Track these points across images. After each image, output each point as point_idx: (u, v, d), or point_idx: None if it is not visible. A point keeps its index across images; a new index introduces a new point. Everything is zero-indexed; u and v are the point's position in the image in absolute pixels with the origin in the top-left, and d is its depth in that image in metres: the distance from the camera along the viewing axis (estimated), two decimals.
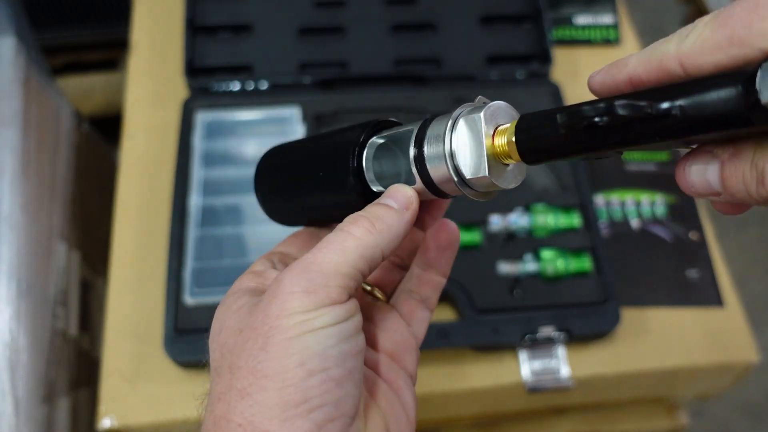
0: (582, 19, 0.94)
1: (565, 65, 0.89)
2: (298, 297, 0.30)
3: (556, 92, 0.82)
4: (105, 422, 0.65)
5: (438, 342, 0.67)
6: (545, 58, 0.84)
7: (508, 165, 0.31)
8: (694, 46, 0.25)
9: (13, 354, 0.71)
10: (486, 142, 0.30)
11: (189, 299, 0.68)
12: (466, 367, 0.70)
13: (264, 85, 0.81)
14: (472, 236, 0.72)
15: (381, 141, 0.35)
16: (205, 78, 0.81)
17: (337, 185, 0.35)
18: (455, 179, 0.31)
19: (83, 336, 0.90)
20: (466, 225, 0.73)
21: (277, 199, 0.41)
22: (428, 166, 0.32)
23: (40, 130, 0.86)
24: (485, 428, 0.84)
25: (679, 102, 0.24)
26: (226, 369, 0.30)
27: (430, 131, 0.32)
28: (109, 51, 1.30)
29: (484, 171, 0.30)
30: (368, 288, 0.39)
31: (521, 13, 0.87)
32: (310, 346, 0.29)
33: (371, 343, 0.36)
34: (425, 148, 0.32)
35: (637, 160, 0.84)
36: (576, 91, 0.87)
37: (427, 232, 0.39)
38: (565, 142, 0.28)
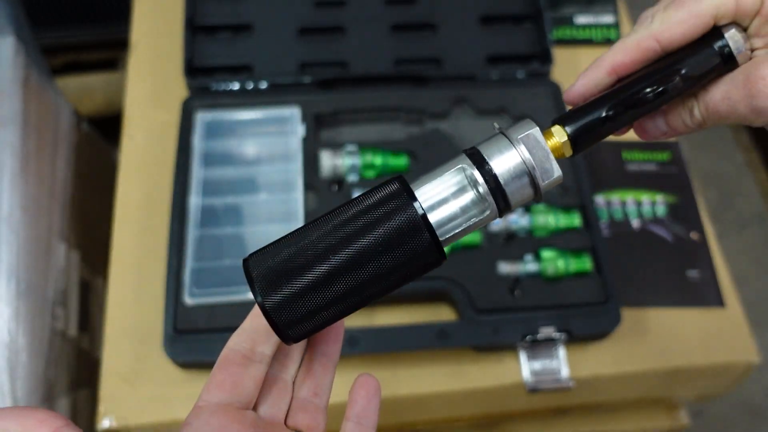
0: (582, 19, 0.94)
1: (566, 65, 0.89)
2: None
3: (556, 92, 0.82)
4: (105, 422, 0.65)
5: (438, 342, 0.67)
6: (546, 58, 0.84)
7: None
8: (662, 26, 0.36)
9: (12, 354, 0.71)
10: (548, 147, 0.35)
11: (188, 299, 0.68)
12: (466, 367, 0.70)
13: (264, 85, 0.81)
14: (473, 236, 0.72)
15: (436, 198, 0.35)
16: (205, 78, 0.81)
17: (413, 258, 0.33)
18: (533, 191, 0.34)
19: (83, 336, 0.90)
20: None
21: (317, 298, 0.33)
22: (506, 189, 0.34)
23: (40, 130, 0.86)
24: (485, 428, 0.84)
25: (683, 68, 0.36)
26: None
27: (490, 160, 0.34)
28: (108, 51, 1.30)
29: (558, 172, 0.34)
30: None
31: (521, 12, 0.87)
32: None
33: None
34: (499, 176, 0.34)
35: (637, 160, 0.83)
36: None
37: (352, 389, 0.37)
38: (609, 123, 0.36)
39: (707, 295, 0.75)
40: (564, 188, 0.76)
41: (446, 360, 0.70)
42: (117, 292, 0.72)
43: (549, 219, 0.73)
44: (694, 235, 0.79)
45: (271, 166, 0.76)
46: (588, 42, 0.93)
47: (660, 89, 0.36)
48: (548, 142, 0.35)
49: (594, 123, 0.36)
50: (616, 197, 0.81)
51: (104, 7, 1.24)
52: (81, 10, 1.25)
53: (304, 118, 0.78)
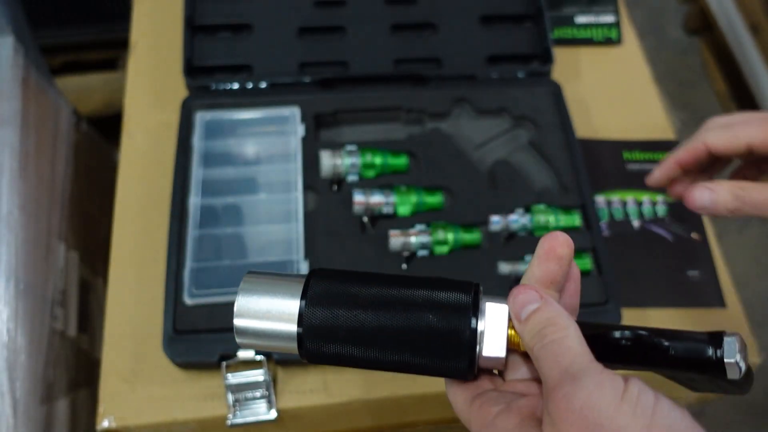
0: (583, 19, 0.93)
1: (566, 65, 0.88)
2: None
3: (557, 92, 0.82)
4: (104, 423, 0.65)
5: None
6: (546, 58, 0.84)
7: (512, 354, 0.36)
8: (713, 138, 0.52)
9: (11, 354, 0.70)
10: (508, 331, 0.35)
11: (188, 300, 0.67)
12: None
13: (263, 85, 0.81)
14: (473, 236, 0.72)
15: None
16: (205, 77, 0.81)
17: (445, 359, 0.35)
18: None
19: (82, 336, 0.90)
20: (467, 225, 0.73)
21: (351, 347, 0.35)
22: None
23: (39, 130, 0.85)
24: None
25: (673, 350, 0.34)
26: None
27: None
28: (108, 50, 1.30)
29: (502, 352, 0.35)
30: None
31: (522, 12, 0.87)
32: None
33: None
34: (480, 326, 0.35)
35: (638, 159, 0.83)
36: (577, 90, 0.87)
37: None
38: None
39: (708, 296, 0.75)
40: (564, 188, 0.76)
41: None
42: (116, 292, 0.72)
43: (549, 219, 0.73)
44: (694, 236, 0.79)
45: (270, 165, 0.76)
46: (588, 42, 0.93)
47: (641, 350, 0.35)
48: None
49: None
50: (616, 197, 0.81)
51: (104, 7, 1.24)
52: (80, 10, 1.25)
53: (304, 118, 0.78)
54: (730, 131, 0.52)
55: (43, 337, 0.78)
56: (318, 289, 0.34)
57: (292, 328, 0.34)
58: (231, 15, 0.84)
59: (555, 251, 0.36)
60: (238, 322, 0.34)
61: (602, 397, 0.29)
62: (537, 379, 0.36)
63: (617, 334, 0.35)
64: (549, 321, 0.33)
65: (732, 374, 0.33)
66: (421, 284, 0.35)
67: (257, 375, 0.65)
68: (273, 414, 0.65)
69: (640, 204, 0.80)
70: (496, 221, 0.73)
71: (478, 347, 0.34)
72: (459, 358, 0.34)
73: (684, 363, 0.34)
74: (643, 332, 0.34)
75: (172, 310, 0.67)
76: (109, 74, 1.31)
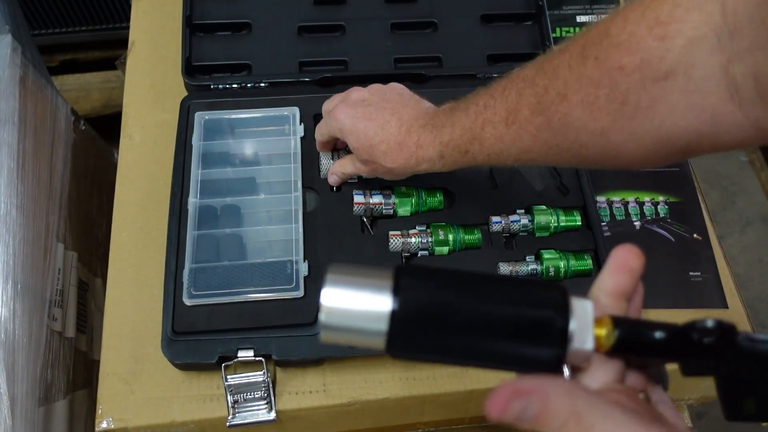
0: (584, 18, 0.93)
1: None
2: None
3: None
4: (103, 424, 0.65)
5: None
6: None
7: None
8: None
9: (9, 355, 0.70)
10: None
11: (187, 300, 0.67)
12: (467, 367, 0.69)
13: (263, 84, 0.80)
14: (473, 237, 0.72)
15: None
16: (204, 76, 0.81)
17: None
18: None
19: (80, 337, 0.90)
20: (467, 225, 0.72)
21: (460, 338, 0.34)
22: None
23: (37, 130, 0.85)
24: (486, 429, 0.83)
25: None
26: None
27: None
28: (106, 50, 1.30)
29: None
30: None
31: (523, 11, 0.86)
32: None
33: None
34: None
35: None
36: None
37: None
38: (657, 351, 0.35)
39: (709, 296, 0.75)
40: (565, 188, 0.76)
41: None
42: (115, 293, 0.71)
43: (550, 219, 0.73)
44: (696, 236, 0.78)
45: (270, 166, 0.76)
46: None
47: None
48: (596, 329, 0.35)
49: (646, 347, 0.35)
50: (617, 197, 0.80)
51: (102, 6, 1.24)
52: (79, 9, 1.24)
53: (304, 118, 0.78)
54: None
55: (41, 338, 0.77)
56: (410, 278, 0.34)
57: (386, 305, 0.33)
58: (230, 14, 0.84)
59: (629, 264, 0.36)
60: (325, 301, 0.33)
61: None
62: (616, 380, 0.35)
63: (696, 324, 0.33)
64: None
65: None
66: (507, 280, 0.36)
67: (256, 376, 0.65)
68: (272, 415, 0.65)
69: (641, 204, 0.80)
70: (496, 222, 0.72)
71: (569, 338, 0.34)
72: (550, 345, 0.34)
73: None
74: (725, 323, 0.33)
75: (171, 310, 0.66)
76: (108, 73, 1.31)
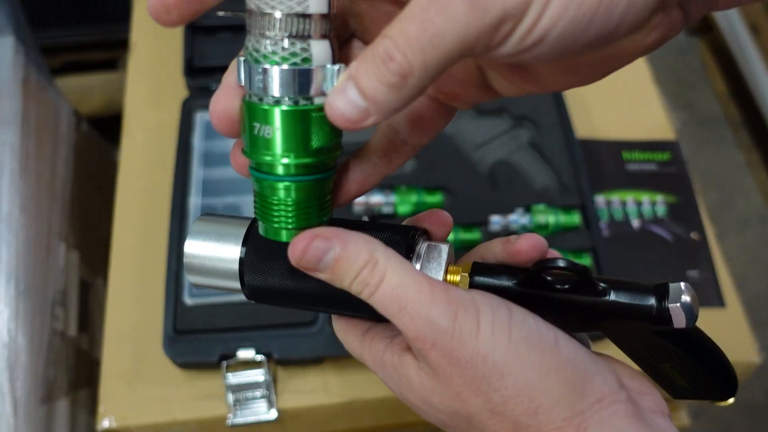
0: None
1: None
2: None
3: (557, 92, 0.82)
4: (104, 423, 0.65)
5: None
6: None
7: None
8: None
9: (12, 354, 0.70)
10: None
11: (188, 300, 0.67)
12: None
13: None
14: (473, 236, 0.72)
15: None
16: (205, 78, 0.81)
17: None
18: None
19: (82, 336, 0.90)
20: (466, 225, 0.73)
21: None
22: None
23: (40, 130, 0.85)
24: None
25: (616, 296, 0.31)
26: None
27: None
28: (108, 51, 1.30)
29: None
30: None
31: None
32: None
33: None
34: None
35: (637, 160, 0.83)
36: (577, 90, 0.87)
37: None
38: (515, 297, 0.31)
39: (707, 296, 0.75)
40: (564, 188, 0.76)
41: None
42: (117, 292, 0.72)
43: (549, 219, 0.73)
44: (694, 236, 0.79)
45: None
46: None
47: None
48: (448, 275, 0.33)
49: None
50: (616, 197, 0.81)
51: (104, 7, 1.24)
52: (81, 10, 1.25)
53: None
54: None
55: (44, 337, 0.78)
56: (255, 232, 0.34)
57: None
58: (231, 15, 0.84)
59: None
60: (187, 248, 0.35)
61: (462, 334, 0.28)
62: None
63: (547, 264, 0.31)
64: (358, 264, 0.29)
65: (678, 322, 0.30)
66: (368, 225, 0.35)
67: (257, 375, 0.65)
68: (273, 414, 0.66)
69: (639, 204, 0.80)
70: (495, 221, 0.73)
71: None
72: None
73: (623, 309, 0.30)
74: (578, 264, 0.30)
75: (173, 310, 0.67)
76: (110, 74, 1.31)
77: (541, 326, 0.29)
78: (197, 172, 0.74)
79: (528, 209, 0.74)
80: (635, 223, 0.79)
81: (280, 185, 0.29)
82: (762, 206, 1.66)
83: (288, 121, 0.27)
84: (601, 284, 0.31)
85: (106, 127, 1.14)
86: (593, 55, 0.27)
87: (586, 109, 0.87)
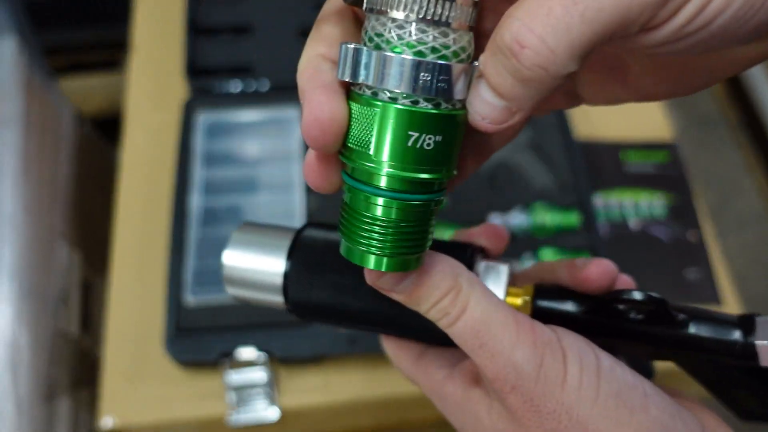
0: None
1: None
2: None
3: None
4: (106, 422, 0.66)
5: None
6: None
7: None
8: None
9: (14, 353, 0.71)
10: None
11: (190, 299, 0.68)
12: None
13: (265, 86, 0.81)
14: None
15: None
16: (206, 79, 0.81)
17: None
18: None
19: (84, 336, 0.91)
20: (465, 225, 0.73)
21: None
22: None
23: (42, 131, 0.86)
24: None
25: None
26: None
27: None
28: (110, 52, 1.31)
29: None
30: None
31: None
32: None
33: None
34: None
35: (636, 160, 0.84)
36: None
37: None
38: (579, 326, 0.30)
39: (706, 295, 0.75)
40: (563, 188, 0.77)
41: None
42: (118, 292, 0.72)
43: (547, 219, 0.73)
44: (692, 235, 0.79)
45: (271, 166, 0.76)
46: None
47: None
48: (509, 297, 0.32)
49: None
50: (614, 197, 0.81)
51: (106, 9, 1.25)
52: (83, 11, 1.25)
53: None
54: None
55: (46, 337, 0.78)
56: (305, 239, 0.33)
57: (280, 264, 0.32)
58: (232, 16, 0.85)
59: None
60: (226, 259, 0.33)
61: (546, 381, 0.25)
62: None
63: (622, 296, 0.29)
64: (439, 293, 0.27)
65: (766, 360, 0.27)
66: None
67: (259, 374, 0.65)
68: (274, 413, 0.66)
69: (637, 204, 0.81)
70: (494, 220, 0.73)
71: None
72: None
73: (703, 343, 0.28)
74: (655, 295, 0.28)
75: (174, 309, 0.67)
76: (111, 75, 1.31)
77: (629, 377, 0.26)
78: (198, 173, 0.75)
79: (527, 208, 0.75)
80: (634, 223, 0.80)
81: (419, 205, 0.24)
82: (760, 206, 1.66)
83: (454, 127, 0.23)
84: (680, 315, 0.29)
85: (107, 128, 1.14)
86: (717, 56, 0.23)
87: (585, 110, 0.87)
